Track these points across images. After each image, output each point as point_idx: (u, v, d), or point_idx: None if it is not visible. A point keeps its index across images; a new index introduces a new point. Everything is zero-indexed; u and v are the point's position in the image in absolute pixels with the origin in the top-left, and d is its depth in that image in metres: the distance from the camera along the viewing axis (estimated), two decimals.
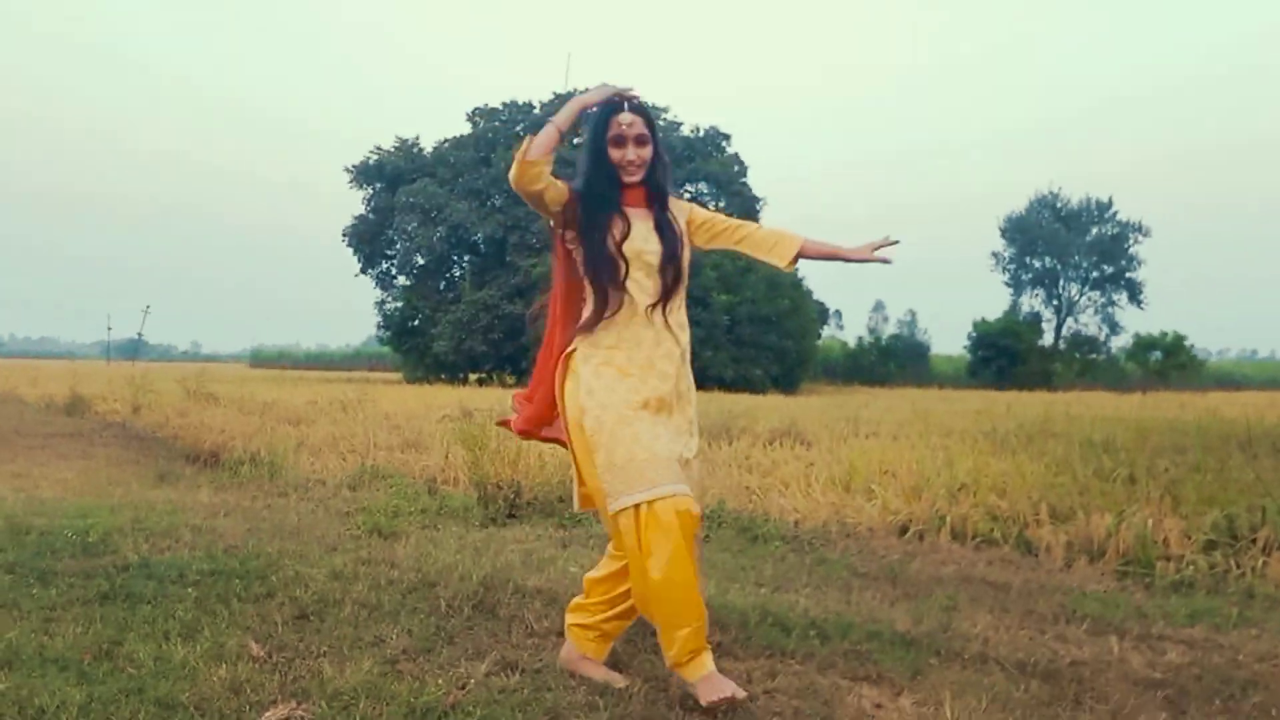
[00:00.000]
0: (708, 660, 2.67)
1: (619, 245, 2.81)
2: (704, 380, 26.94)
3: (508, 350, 33.14)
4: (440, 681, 2.70)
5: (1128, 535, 5.09)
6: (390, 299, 38.77)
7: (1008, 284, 54.70)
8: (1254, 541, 4.98)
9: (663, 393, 2.78)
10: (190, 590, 3.60)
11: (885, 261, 2.95)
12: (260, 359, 77.77)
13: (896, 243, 2.93)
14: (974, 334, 45.51)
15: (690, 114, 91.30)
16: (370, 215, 38.36)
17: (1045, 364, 43.91)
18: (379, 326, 39.04)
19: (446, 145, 38.60)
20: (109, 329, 71.65)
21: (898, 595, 4.16)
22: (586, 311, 2.85)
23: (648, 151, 2.88)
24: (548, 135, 2.72)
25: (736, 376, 29.36)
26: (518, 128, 38.25)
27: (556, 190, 2.78)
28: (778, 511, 6.26)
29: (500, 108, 39.24)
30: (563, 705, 2.59)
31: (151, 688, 2.57)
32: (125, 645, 2.90)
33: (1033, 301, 54.45)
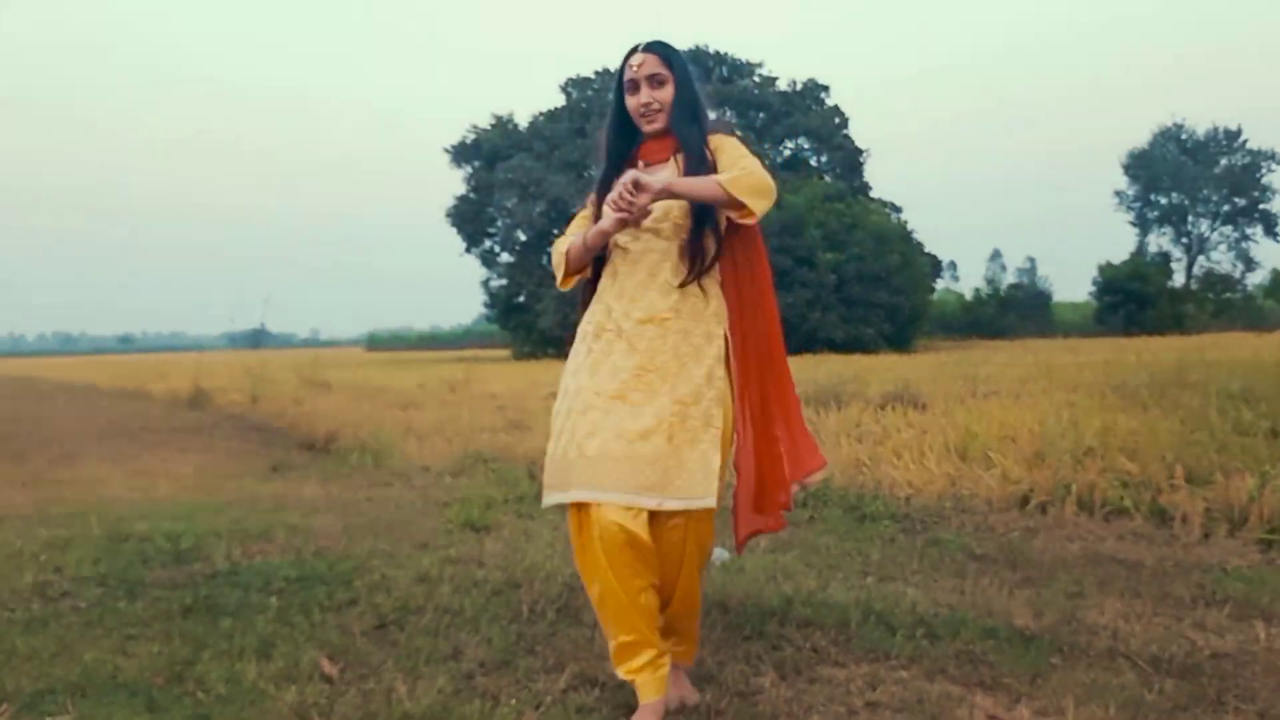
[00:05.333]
0: (651, 687, 2.38)
1: None
2: (813, 343, 26.46)
3: None
4: (515, 701, 2.55)
5: (1272, 499, 4.63)
6: (495, 276, 39.13)
7: (1133, 224, 51.86)
8: None
9: None
10: (273, 600, 3.54)
11: None
12: (376, 343, 79.75)
13: None
14: (1099, 279, 43.27)
15: (787, 67, 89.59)
16: (471, 194, 38.63)
17: (1177, 306, 41.47)
18: (485, 305, 39.47)
19: (541, 119, 38.58)
20: (231, 320, 74.62)
21: (1018, 580, 3.83)
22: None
23: (666, 93, 2.50)
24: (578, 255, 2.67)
25: (847, 337, 28.58)
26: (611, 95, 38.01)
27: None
28: (889, 485, 5.94)
29: (593, 76, 39.01)
30: None
31: (218, 715, 2.48)
32: (198, 666, 2.82)
33: (1160, 241, 51.50)
